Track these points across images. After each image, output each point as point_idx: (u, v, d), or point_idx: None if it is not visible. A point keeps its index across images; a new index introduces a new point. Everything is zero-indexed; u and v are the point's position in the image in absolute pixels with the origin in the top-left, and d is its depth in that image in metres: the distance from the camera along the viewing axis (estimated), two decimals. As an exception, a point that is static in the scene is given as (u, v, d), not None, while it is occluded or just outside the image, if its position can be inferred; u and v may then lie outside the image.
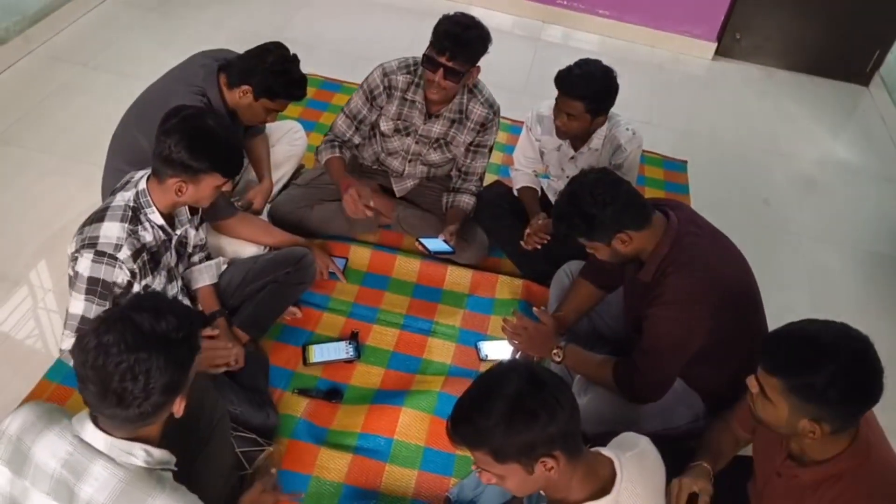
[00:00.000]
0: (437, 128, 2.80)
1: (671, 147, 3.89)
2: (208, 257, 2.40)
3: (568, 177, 2.90)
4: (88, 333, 1.32)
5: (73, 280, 1.98)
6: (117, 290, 1.99)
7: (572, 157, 2.84)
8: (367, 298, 2.78)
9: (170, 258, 2.18)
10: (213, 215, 2.53)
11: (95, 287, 1.96)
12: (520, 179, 3.01)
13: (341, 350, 2.56)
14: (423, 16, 4.72)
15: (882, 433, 1.67)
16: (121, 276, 1.99)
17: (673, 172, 3.73)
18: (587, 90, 2.53)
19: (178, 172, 1.99)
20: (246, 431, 2.18)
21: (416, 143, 2.85)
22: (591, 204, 2.03)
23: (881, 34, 4.61)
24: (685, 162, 3.81)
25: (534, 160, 2.99)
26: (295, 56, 2.53)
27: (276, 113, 2.59)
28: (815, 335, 1.51)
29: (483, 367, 2.58)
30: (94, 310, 1.97)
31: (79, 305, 1.97)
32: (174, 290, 2.25)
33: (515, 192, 3.03)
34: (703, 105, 4.44)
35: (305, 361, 2.50)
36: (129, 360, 1.28)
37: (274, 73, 2.44)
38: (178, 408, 1.41)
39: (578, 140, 2.77)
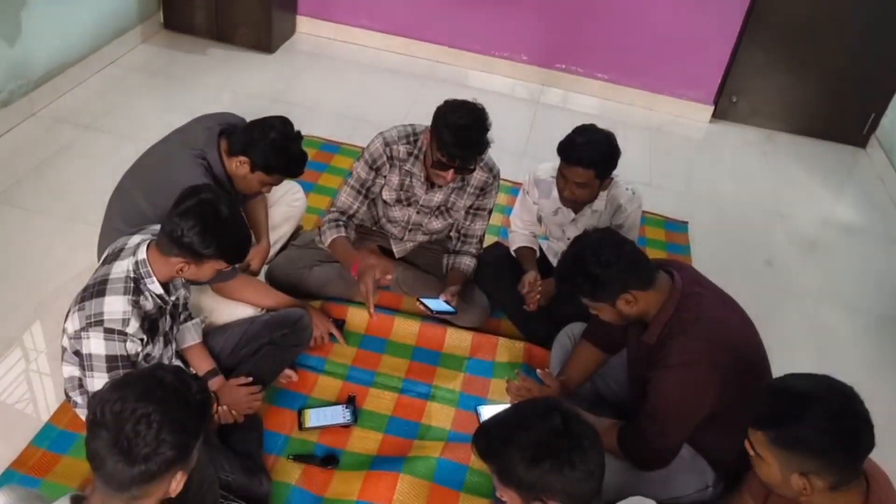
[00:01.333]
0: (438, 197, 2.79)
1: (671, 208, 3.89)
2: (189, 316, 2.36)
3: (569, 238, 2.88)
4: (110, 384, 1.33)
5: (86, 360, 1.97)
6: (133, 360, 2.00)
7: (573, 220, 2.82)
8: (365, 361, 2.73)
9: (165, 323, 2.14)
10: (214, 278, 2.50)
11: (116, 363, 1.97)
12: (517, 240, 2.99)
13: (338, 414, 2.49)
14: (423, 79, 4.85)
15: None
16: (134, 348, 1.99)
17: (674, 233, 3.72)
18: (595, 157, 2.52)
19: (184, 254, 1.98)
20: (237, 500, 2.10)
21: (418, 213, 2.84)
22: (595, 264, 2.00)
23: (875, 98, 4.67)
24: (686, 223, 3.80)
25: (531, 223, 2.98)
26: (298, 133, 2.53)
27: (271, 186, 2.59)
28: (796, 386, 1.52)
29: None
30: None
31: (103, 384, 1.93)
32: (169, 353, 2.21)
33: (513, 253, 3.01)
34: (702, 167, 4.45)
35: (301, 426, 2.43)
36: (147, 408, 1.28)
37: (275, 149, 2.44)
38: (177, 484, 1.36)
39: (578, 206, 2.76)
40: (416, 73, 4.78)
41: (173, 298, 2.14)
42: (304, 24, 5.04)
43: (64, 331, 2.04)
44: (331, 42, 5.02)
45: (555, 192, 2.79)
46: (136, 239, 2.09)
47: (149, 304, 2.03)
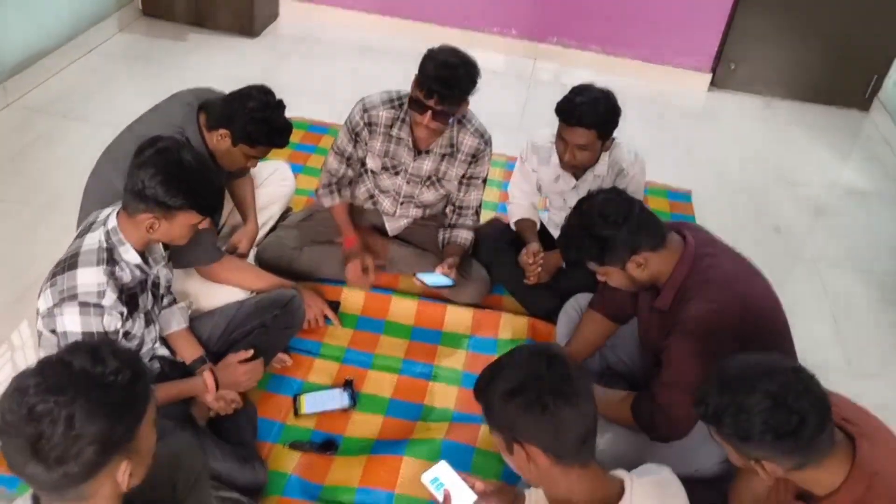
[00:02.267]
0: (427, 164, 2.66)
1: (673, 179, 3.76)
2: (174, 300, 2.22)
3: (570, 207, 2.75)
4: (14, 379, 1.14)
5: (60, 339, 1.82)
6: (113, 338, 1.85)
7: (574, 187, 2.69)
8: (362, 343, 2.60)
9: (146, 300, 2.01)
10: (199, 259, 2.37)
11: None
12: (516, 212, 2.86)
13: (335, 398, 2.36)
14: (412, 58, 4.62)
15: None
16: (112, 322, 1.84)
17: (678, 203, 3.59)
18: (596, 116, 2.40)
19: (151, 208, 1.84)
20: (230, 491, 1.97)
21: (408, 182, 2.71)
22: (602, 225, 1.88)
23: (877, 60, 4.55)
24: (689, 192, 3.67)
25: (530, 193, 2.84)
26: (279, 102, 2.39)
27: (257, 159, 2.45)
28: (734, 374, 1.42)
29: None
30: None
31: None
32: (152, 334, 2.07)
33: (513, 226, 2.88)
34: (703, 136, 4.33)
35: (297, 412, 2.30)
36: (47, 400, 1.09)
37: (255, 119, 2.30)
38: (122, 477, 1.18)
39: (580, 170, 2.63)
40: (404, 53, 4.59)
41: (154, 271, 2.02)
42: (287, 6, 4.90)
43: (37, 312, 1.90)
44: (316, 25, 4.87)
45: (554, 158, 2.66)
46: (106, 211, 1.96)
47: (126, 276, 1.90)
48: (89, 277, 1.82)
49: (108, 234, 1.89)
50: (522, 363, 1.39)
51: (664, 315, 1.97)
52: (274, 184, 2.92)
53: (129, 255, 1.90)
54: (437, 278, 2.54)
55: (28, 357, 2.45)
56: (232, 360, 2.19)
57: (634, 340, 2.37)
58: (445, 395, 2.44)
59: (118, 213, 1.91)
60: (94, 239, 1.89)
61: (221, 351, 2.30)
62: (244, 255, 2.68)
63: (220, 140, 2.35)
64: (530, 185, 2.81)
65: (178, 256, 2.24)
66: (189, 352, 2.21)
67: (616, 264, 1.93)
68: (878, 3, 4.34)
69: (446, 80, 2.36)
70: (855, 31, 4.44)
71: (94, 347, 1.18)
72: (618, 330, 2.34)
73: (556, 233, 2.89)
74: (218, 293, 2.44)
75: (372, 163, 2.69)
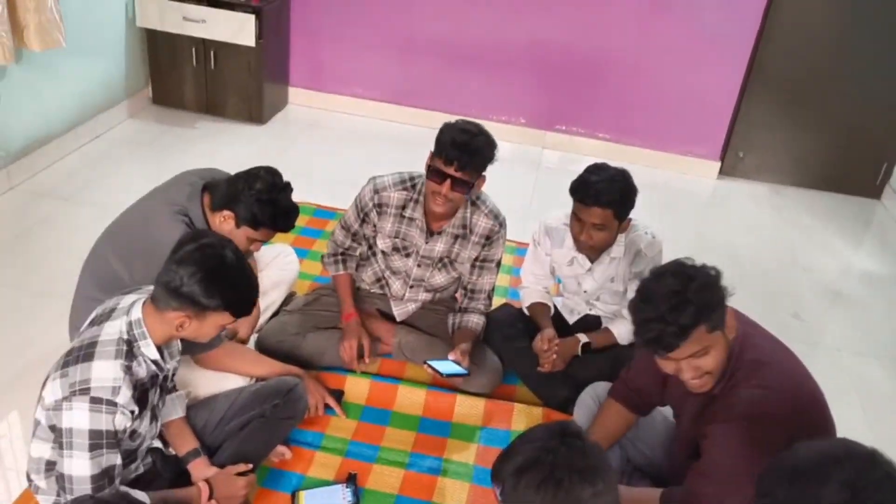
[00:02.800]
0: (439, 246, 2.59)
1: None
2: (174, 388, 2.10)
3: (585, 291, 2.66)
4: None
5: (64, 436, 1.69)
6: (120, 437, 1.75)
7: (589, 270, 2.60)
8: (367, 435, 2.45)
9: (155, 396, 1.90)
10: (198, 346, 2.26)
11: (100, 440, 1.70)
12: (529, 296, 2.76)
13: (337, 496, 2.20)
14: (419, 145, 4.61)
15: None
16: (122, 421, 1.73)
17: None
18: (613, 195, 2.34)
19: (185, 306, 1.75)
20: None
21: (419, 265, 2.63)
22: (701, 286, 1.65)
23: (887, 147, 4.54)
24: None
25: (543, 277, 2.75)
26: (287, 184, 2.33)
27: (260, 243, 2.37)
28: (806, 462, 1.25)
29: (503, 511, 2.22)
30: (105, 464, 1.71)
31: (83, 465, 1.69)
32: (154, 430, 1.95)
33: (525, 311, 2.77)
34: (713, 223, 4.27)
35: (295, 511, 2.14)
36: None
37: (260, 201, 2.23)
38: None
39: (596, 251, 2.55)
40: (411, 140, 4.64)
41: (168, 367, 1.91)
42: (296, 95, 4.96)
43: (40, 401, 1.77)
44: (324, 112, 4.92)
45: (568, 241, 2.58)
46: (129, 298, 1.87)
47: (142, 371, 1.79)
48: (106, 371, 1.71)
49: (130, 325, 1.79)
50: (536, 438, 1.34)
51: (710, 399, 1.82)
52: (277, 268, 2.85)
53: (150, 350, 1.80)
54: (449, 366, 2.42)
55: (16, 450, 2.30)
56: (230, 471, 2.06)
57: (657, 433, 2.23)
58: (456, 492, 2.27)
59: (144, 304, 1.81)
60: (115, 329, 1.78)
61: (215, 443, 2.17)
62: (244, 341, 2.57)
63: (223, 222, 2.27)
64: (543, 268, 2.72)
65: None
66: (183, 443, 2.08)
67: (716, 328, 1.70)
68: (885, 91, 4.36)
69: (466, 146, 2.33)
70: (863, 120, 4.45)
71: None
72: (638, 421, 2.19)
73: (570, 318, 2.79)
74: (216, 381, 2.31)
75: (382, 243, 2.62)
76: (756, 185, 4.70)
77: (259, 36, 4.31)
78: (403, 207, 2.54)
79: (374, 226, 2.59)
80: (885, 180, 4.61)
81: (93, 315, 1.90)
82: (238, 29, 4.25)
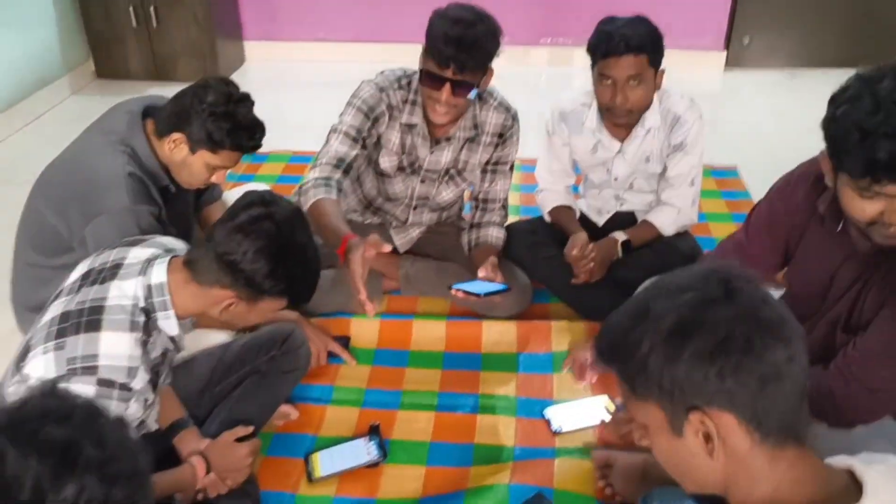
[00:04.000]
0: (446, 155, 2.17)
1: (711, 159, 3.28)
2: None
3: (616, 179, 2.26)
4: None
5: None
6: None
7: (620, 151, 2.20)
8: (384, 380, 2.06)
9: (164, 378, 1.51)
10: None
11: None
12: (550, 200, 2.36)
13: (360, 452, 1.81)
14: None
15: None
16: (135, 412, 1.36)
17: (726, 181, 3.11)
18: (642, 37, 1.97)
19: (238, 286, 1.38)
20: None
21: (422, 181, 2.22)
22: None
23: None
24: (735, 168, 3.19)
25: (563, 174, 2.35)
26: (245, 95, 1.91)
27: (224, 171, 1.95)
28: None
29: (560, 443, 1.83)
30: None
31: None
32: (155, 416, 1.54)
33: (547, 217, 2.37)
34: (730, 116, 3.86)
35: (311, 477, 1.75)
36: None
37: (215, 115, 1.81)
38: None
39: (625, 126, 2.15)
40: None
41: (183, 344, 1.53)
42: (253, 49, 4.52)
43: (9, 372, 1.38)
44: (286, 64, 4.47)
45: (589, 122, 2.19)
46: (142, 253, 1.46)
47: (157, 349, 1.42)
48: (118, 346, 1.33)
49: (149, 290, 1.40)
50: (685, 288, 0.89)
51: (883, 261, 1.38)
52: (254, 210, 2.43)
53: (170, 324, 1.42)
54: (482, 285, 1.96)
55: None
56: (228, 438, 1.66)
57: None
58: (500, 430, 1.89)
59: (170, 266, 1.42)
60: (128, 292, 1.39)
61: (202, 413, 1.78)
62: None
63: (173, 148, 1.86)
64: (562, 163, 2.32)
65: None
66: (167, 414, 1.68)
67: None
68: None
69: (462, 41, 1.85)
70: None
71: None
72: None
73: (599, 219, 2.39)
74: (196, 337, 1.90)
75: (387, 162, 2.16)
76: (767, 73, 4.29)
77: (202, -21, 3.87)
78: (402, 111, 2.11)
79: (379, 138, 2.14)
80: (908, 46, 4.21)
81: (76, 273, 1.49)
82: (177, -27, 3.81)
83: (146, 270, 1.41)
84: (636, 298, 0.94)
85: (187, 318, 1.47)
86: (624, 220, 2.35)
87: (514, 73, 4.40)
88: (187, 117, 1.84)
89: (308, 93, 4.16)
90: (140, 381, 1.35)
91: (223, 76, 1.95)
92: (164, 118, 1.89)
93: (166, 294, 1.40)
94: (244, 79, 4.38)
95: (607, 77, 2.00)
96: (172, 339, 1.46)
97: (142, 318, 1.38)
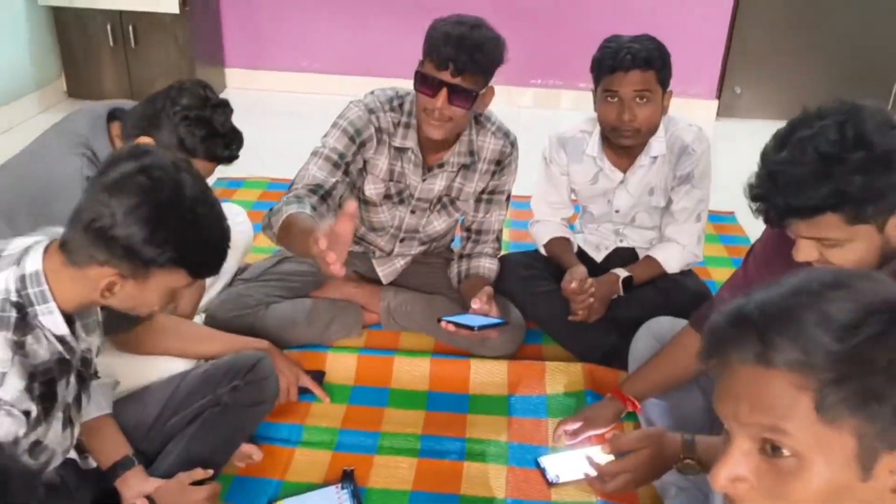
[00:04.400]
0: (439, 183, 2.00)
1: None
2: (96, 373, 1.48)
3: (617, 212, 2.11)
4: None
5: None
6: (9, 451, 1.10)
7: (622, 182, 2.06)
8: (361, 420, 1.85)
9: (68, 388, 1.27)
10: (113, 324, 1.65)
11: None
12: (545, 232, 2.21)
13: (331, 501, 1.60)
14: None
15: None
16: (10, 428, 1.12)
17: (724, 225, 2.98)
18: (651, 51, 1.85)
19: (117, 259, 1.13)
20: None
21: (412, 212, 2.05)
22: (880, 137, 1.13)
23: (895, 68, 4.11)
24: (733, 213, 3.07)
25: (560, 205, 2.21)
26: (223, 101, 1.77)
27: None
28: None
29: (556, 495, 1.64)
30: None
31: None
32: (69, 441, 1.31)
33: (542, 250, 2.21)
34: (722, 164, 3.74)
35: (274, 528, 1.53)
36: None
37: (188, 120, 1.65)
38: None
39: (628, 155, 2.02)
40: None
41: (83, 347, 1.29)
42: (234, 77, 4.38)
43: None
44: (267, 94, 4.32)
45: (590, 149, 2.05)
46: (19, 242, 1.22)
47: (42, 352, 1.18)
48: None
49: (22, 281, 1.16)
50: None
51: None
52: (225, 231, 2.24)
53: (53, 320, 1.18)
54: (476, 318, 1.75)
55: None
56: (182, 480, 1.46)
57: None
58: (490, 480, 1.69)
59: (46, 252, 1.19)
60: None
61: (152, 449, 1.57)
62: (186, 317, 1.95)
63: None
64: (560, 194, 2.17)
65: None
66: (109, 449, 1.46)
67: (880, 218, 1.17)
68: (889, 7, 3.94)
69: (463, 41, 1.70)
70: (869, 38, 4.02)
71: None
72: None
73: (597, 255, 2.23)
74: (147, 366, 1.70)
75: (372, 189, 1.99)
76: (758, 123, 4.22)
77: (184, 2, 3.73)
78: (392, 136, 1.94)
79: (365, 163, 1.97)
80: (897, 103, 4.19)
81: None
82: (158, -7, 3.67)
83: (20, 260, 1.17)
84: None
85: (75, 311, 1.22)
86: (624, 256, 2.20)
87: (500, 111, 4.29)
88: (157, 120, 1.68)
89: (288, 122, 4.01)
90: (10, 391, 1.12)
91: (201, 80, 1.79)
92: (131, 120, 1.72)
93: (43, 284, 1.16)
94: None
95: (613, 93, 1.88)
96: (62, 339, 1.21)
97: (13, 314, 1.14)
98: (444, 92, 1.74)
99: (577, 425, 1.74)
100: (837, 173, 1.14)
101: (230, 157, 1.78)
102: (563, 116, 4.12)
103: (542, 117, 4.21)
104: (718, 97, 4.23)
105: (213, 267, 1.27)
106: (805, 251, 1.23)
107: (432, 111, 1.78)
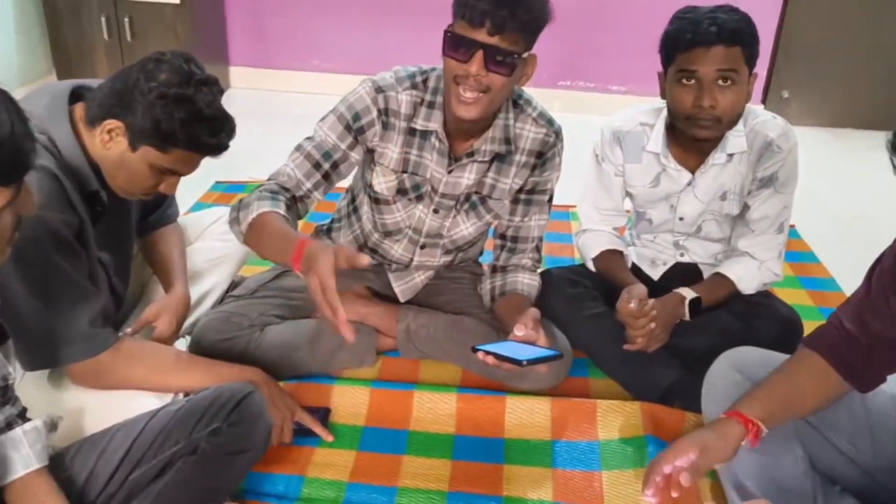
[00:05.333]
0: (468, 175, 1.67)
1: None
2: (16, 420, 1.15)
3: (682, 219, 1.78)
4: None
5: None
6: None
7: (690, 183, 1.72)
8: (373, 471, 1.51)
9: None
10: (67, 353, 1.36)
11: None
12: (596, 243, 1.86)
13: (335, 578, 1.26)
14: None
15: None
16: None
17: (788, 241, 2.64)
18: (739, 23, 1.54)
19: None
20: None
21: (435, 211, 1.72)
22: None
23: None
24: (793, 226, 2.73)
25: (613, 212, 1.87)
26: (210, 78, 1.45)
27: (175, 178, 1.47)
28: None
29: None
30: None
31: None
32: None
33: (589, 264, 1.88)
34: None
35: None
36: None
37: (166, 99, 1.34)
38: None
39: (698, 152, 1.69)
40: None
41: None
42: (239, 76, 4.08)
43: None
44: (275, 94, 4.03)
45: (651, 146, 1.73)
46: None
47: None
48: None
49: None
50: None
51: None
52: (218, 238, 1.91)
53: None
54: (521, 349, 1.37)
55: None
56: None
57: (868, 415, 1.32)
58: (534, 551, 1.35)
59: None
60: None
61: (115, 507, 1.23)
62: (166, 341, 1.62)
63: (107, 141, 1.38)
64: (613, 198, 1.84)
65: (25, 349, 1.28)
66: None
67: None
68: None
69: None
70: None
71: None
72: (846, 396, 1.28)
73: (653, 272, 1.90)
74: (110, 405, 1.38)
75: (382, 183, 1.68)
76: (809, 130, 3.89)
77: (185, -10, 3.44)
78: (412, 117, 1.62)
79: (372, 153, 1.65)
80: (961, 110, 3.84)
81: None
82: (157, -19, 3.38)
83: None
84: None
85: None
86: (685, 273, 1.86)
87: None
88: (129, 100, 1.37)
89: (296, 124, 3.66)
90: None
91: (184, 51, 1.47)
92: (97, 100, 1.40)
93: None
94: (227, 106, 3.88)
95: (690, 74, 1.55)
96: None
97: None
98: (479, 54, 1.41)
99: (684, 460, 1.20)
100: None
101: (218, 147, 1.46)
102: (596, 121, 3.81)
103: (571, 122, 3.90)
104: (764, 101, 3.91)
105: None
106: None
107: (466, 78, 1.44)
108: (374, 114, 1.59)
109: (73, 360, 1.36)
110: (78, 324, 1.35)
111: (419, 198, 1.70)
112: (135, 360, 1.43)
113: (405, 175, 1.66)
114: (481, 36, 1.41)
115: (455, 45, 1.44)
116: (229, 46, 4.02)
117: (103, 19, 3.51)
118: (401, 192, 1.69)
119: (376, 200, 1.72)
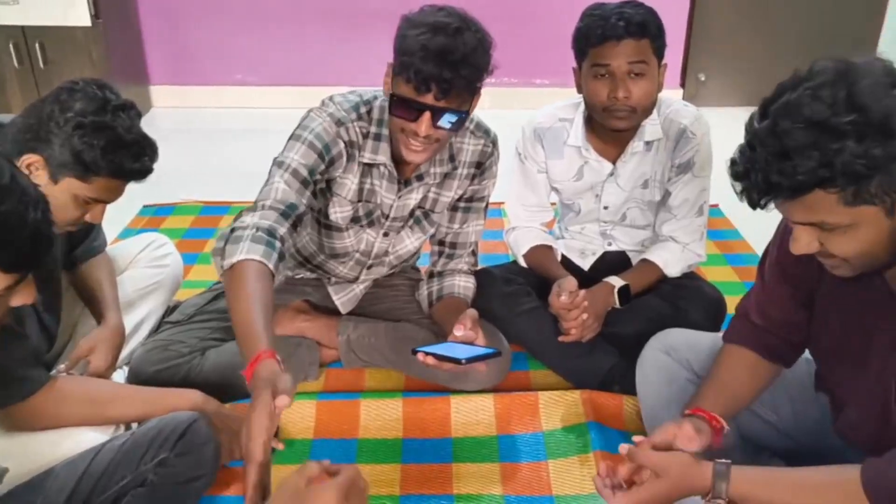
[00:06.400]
0: (415, 196, 1.69)
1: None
2: None
3: (606, 208, 1.84)
4: None
5: None
6: None
7: (611, 174, 1.78)
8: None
9: None
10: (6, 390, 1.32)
11: None
12: (525, 240, 1.91)
13: None
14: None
15: None
16: None
17: (712, 220, 2.69)
18: (646, 16, 1.62)
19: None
20: None
21: (385, 234, 1.74)
22: (875, 99, 0.89)
23: (866, 41, 3.93)
24: (716, 206, 2.83)
25: (539, 208, 1.92)
26: (127, 103, 1.46)
27: (101, 207, 1.46)
28: None
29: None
30: None
31: None
32: None
33: (521, 261, 1.92)
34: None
35: None
36: None
37: (83, 128, 1.35)
38: None
39: (616, 143, 1.75)
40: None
41: None
42: (161, 95, 4.00)
43: None
44: (198, 111, 3.95)
45: (572, 140, 1.78)
46: None
47: None
48: None
49: None
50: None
51: None
52: (149, 265, 1.89)
53: None
54: (461, 348, 1.41)
55: None
56: None
57: (786, 383, 1.39)
58: (488, 546, 1.38)
59: None
60: None
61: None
62: (102, 374, 1.60)
63: (29, 175, 1.35)
64: (538, 194, 1.89)
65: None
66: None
67: (886, 198, 0.92)
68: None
69: (447, 55, 1.37)
70: (838, 13, 3.87)
71: None
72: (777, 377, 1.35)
73: (583, 262, 1.95)
74: (48, 443, 1.35)
75: (338, 213, 1.67)
76: (726, 111, 4.01)
77: (96, 13, 3.36)
78: (363, 148, 1.61)
79: (329, 183, 1.63)
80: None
81: None
82: (66, 4, 3.29)
83: None
84: None
85: None
86: (613, 262, 1.93)
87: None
88: (46, 132, 1.36)
89: (223, 140, 3.66)
90: None
91: (97, 78, 1.46)
92: (11, 136, 1.39)
93: None
94: (151, 126, 3.72)
95: (603, 67, 1.61)
96: None
97: None
98: (426, 116, 1.42)
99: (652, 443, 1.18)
100: (825, 142, 0.89)
101: (142, 171, 1.46)
102: (523, 115, 3.87)
103: (498, 118, 3.95)
104: (682, 85, 4.03)
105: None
106: (801, 240, 1.01)
107: (415, 134, 1.45)
108: (342, 146, 1.57)
109: (5, 403, 1.33)
110: (7, 367, 1.32)
111: (370, 223, 1.71)
112: (71, 398, 1.40)
113: (359, 204, 1.67)
114: (428, 100, 1.40)
115: (401, 107, 1.44)
116: (148, 65, 3.94)
117: (11, 47, 3.40)
118: (354, 220, 1.70)
119: (327, 227, 1.72)
